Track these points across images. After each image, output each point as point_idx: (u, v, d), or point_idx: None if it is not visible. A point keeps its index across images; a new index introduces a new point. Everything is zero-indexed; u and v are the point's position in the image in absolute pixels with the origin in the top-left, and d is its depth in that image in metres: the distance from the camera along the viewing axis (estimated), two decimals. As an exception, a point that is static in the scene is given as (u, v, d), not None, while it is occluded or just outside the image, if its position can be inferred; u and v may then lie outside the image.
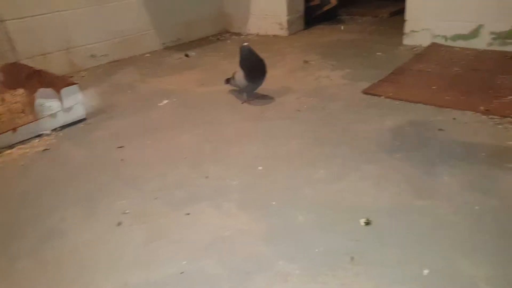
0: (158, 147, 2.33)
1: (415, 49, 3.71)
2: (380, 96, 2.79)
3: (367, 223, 1.61)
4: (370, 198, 1.76)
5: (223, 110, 2.77)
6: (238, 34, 4.85)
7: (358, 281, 1.35)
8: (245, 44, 2.72)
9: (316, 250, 1.49)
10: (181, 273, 1.42)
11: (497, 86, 2.71)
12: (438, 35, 3.69)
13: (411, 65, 3.30)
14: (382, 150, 2.12)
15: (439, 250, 1.45)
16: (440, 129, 2.28)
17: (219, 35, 4.86)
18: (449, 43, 3.64)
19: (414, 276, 1.35)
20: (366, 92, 2.88)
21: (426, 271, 1.37)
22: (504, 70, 2.93)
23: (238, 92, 2.97)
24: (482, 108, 2.43)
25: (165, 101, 2.97)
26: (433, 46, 3.65)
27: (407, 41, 3.88)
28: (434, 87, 2.81)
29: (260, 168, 2.03)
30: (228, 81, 3.04)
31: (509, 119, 2.29)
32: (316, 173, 1.96)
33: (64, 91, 2.56)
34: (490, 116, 2.35)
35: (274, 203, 1.76)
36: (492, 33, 3.43)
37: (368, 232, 1.57)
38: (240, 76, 2.80)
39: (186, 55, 4.10)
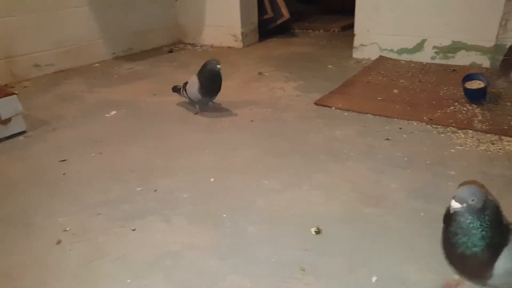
0: (103, 160, 2.22)
1: (364, 62, 3.84)
2: (330, 107, 2.84)
3: (318, 232, 1.61)
4: (320, 207, 1.77)
5: (175, 121, 2.71)
6: (193, 45, 4.81)
7: (310, 279, 1.34)
8: (217, 66, 2.64)
9: (267, 262, 1.46)
10: (123, 292, 1.34)
11: (440, 97, 2.84)
12: (386, 49, 3.85)
13: (360, 77, 3.40)
14: (333, 160, 2.15)
15: (386, 256, 1.47)
16: (387, 139, 2.35)
17: (173, 45, 4.80)
18: (396, 56, 3.80)
19: (363, 284, 1.36)
20: (317, 103, 2.93)
21: (374, 278, 1.38)
22: (447, 82, 3.09)
23: (191, 103, 2.92)
24: (426, 118, 2.53)
25: (113, 112, 2.86)
26: (381, 59, 3.79)
27: (356, 54, 4.01)
28: (381, 99, 2.91)
29: (212, 179, 1.98)
30: (175, 89, 2.95)
31: (451, 128, 2.40)
32: (268, 183, 1.95)
33: (1, 101, 2.39)
34: (434, 126, 2.45)
35: (225, 215, 1.72)
36: (434, 47, 3.62)
37: (318, 241, 1.56)
38: (193, 89, 2.72)
39: (170, 51, 4.17)
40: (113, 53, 4.26)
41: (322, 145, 2.32)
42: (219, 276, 1.40)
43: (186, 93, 2.80)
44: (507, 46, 2.68)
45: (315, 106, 2.90)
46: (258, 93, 3.20)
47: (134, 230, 1.63)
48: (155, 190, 1.90)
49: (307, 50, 4.49)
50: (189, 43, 4.86)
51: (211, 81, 2.67)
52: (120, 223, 1.67)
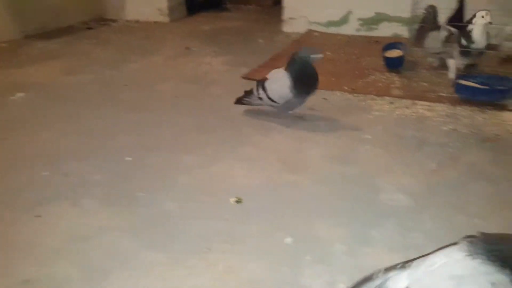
0: (7, 147, 2.02)
1: (293, 35, 3.84)
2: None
3: (238, 201, 1.60)
4: (243, 178, 1.75)
5: (91, 101, 2.53)
6: (115, 20, 4.52)
7: (224, 258, 1.33)
8: (316, 55, 2.09)
9: (185, 236, 1.43)
10: (24, 281, 1.23)
11: (362, 68, 2.92)
12: (314, 22, 3.87)
13: (288, 50, 3.35)
14: (258, 132, 2.13)
15: (301, 218, 1.50)
16: (311, 109, 2.37)
17: (93, 22, 4.46)
18: (324, 29, 3.85)
19: (277, 246, 1.38)
20: (245, 77, 2.89)
21: (288, 239, 1.40)
22: (370, 53, 3.18)
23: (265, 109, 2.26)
24: (348, 88, 2.59)
25: (20, 95, 2.60)
26: (309, 32, 3.82)
27: (286, 28, 4.01)
28: (308, 70, 2.93)
29: (128, 159, 1.89)
30: (243, 99, 2.28)
31: (371, 96, 2.48)
32: (192, 159, 1.89)
33: None
34: (356, 94, 2.52)
35: (142, 194, 1.65)
36: (359, 19, 3.70)
37: (238, 210, 1.56)
38: (281, 87, 2.10)
39: (90, 28, 3.78)
40: (23, 32, 3.84)
41: (248, 118, 2.31)
42: (133, 255, 1.34)
43: (266, 94, 2.16)
44: (422, 16, 2.79)
45: (243, 80, 2.86)
46: (185, 68, 3.10)
47: (39, 216, 1.50)
48: (66, 174, 1.77)
49: (238, 24, 4.41)
50: (110, 19, 4.55)
51: (307, 76, 2.10)
52: (23, 211, 1.54)
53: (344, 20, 3.77)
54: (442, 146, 1.91)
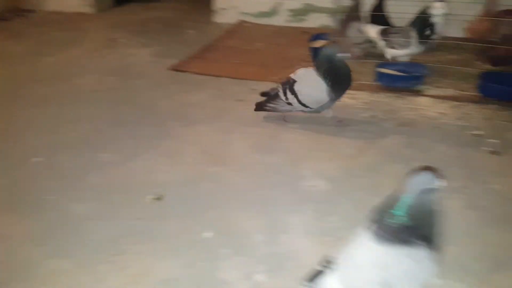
0: None
1: (224, 26, 3.78)
2: (186, 72, 2.75)
3: (158, 198, 1.54)
4: (164, 173, 1.70)
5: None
6: (33, 11, 4.17)
7: (137, 260, 1.28)
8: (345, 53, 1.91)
9: (94, 239, 1.35)
10: None
11: (290, 58, 2.94)
12: (245, 13, 3.84)
13: (218, 41, 3.36)
14: (182, 125, 2.08)
15: (222, 211, 1.49)
16: (239, 100, 2.35)
17: (7, 12, 4.05)
18: (255, 20, 3.83)
19: (195, 241, 1.35)
20: (173, 68, 2.81)
21: (207, 234, 1.38)
22: (298, 44, 3.21)
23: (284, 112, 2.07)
24: (276, 78, 2.60)
25: None
26: (240, 23, 3.79)
27: (217, 18, 3.94)
28: (237, 62, 2.91)
29: (36, 159, 1.75)
30: (267, 105, 2.06)
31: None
32: (107, 156, 1.81)
33: None
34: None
35: (49, 197, 1.54)
36: (289, 10, 3.72)
37: (155, 208, 1.51)
38: (315, 91, 1.92)
39: (3, 19, 3.41)
40: None
41: (173, 111, 2.24)
42: (34, 263, 1.25)
43: (298, 100, 1.96)
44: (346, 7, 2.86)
45: (171, 71, 2.78)
46: (109, 60, 2.95)
47: None
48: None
49: (168, 15, 4.27)
50: (28, 10, 4.20)
51: (343, 77, 1.95)
52: None
53: (274, 11, 3.78)
54: (361, 132, 1.98)
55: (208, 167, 1.74)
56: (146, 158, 1.79)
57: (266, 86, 2.51)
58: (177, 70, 2.78)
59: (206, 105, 2.30)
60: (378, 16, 2.85)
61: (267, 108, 2.05)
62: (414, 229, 0.89)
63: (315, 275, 0.98)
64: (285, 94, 1.98)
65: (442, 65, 2.67)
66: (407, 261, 0.87)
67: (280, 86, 2.03)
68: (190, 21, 3.98)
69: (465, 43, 2.72)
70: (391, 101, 2.28)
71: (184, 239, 1.36)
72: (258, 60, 2.94)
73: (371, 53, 2.86)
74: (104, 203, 1.52)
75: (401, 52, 2.55)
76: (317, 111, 2.00)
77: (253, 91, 2.47)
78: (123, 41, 3.37)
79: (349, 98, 2.32)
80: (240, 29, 3.66)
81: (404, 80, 2.38)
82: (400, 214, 0.89)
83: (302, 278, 1.02)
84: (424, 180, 0.91)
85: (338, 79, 1.91)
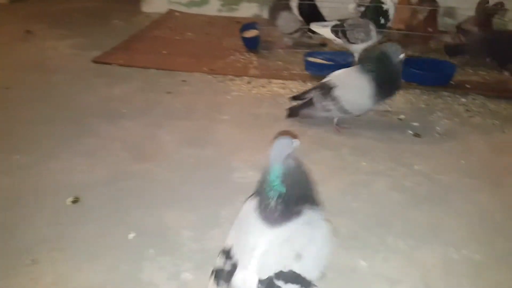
0: None
1: (153, 16, 3.62)
2: (111, 64, 2.60)
3: (75, 201, 1.43)
4: (83, 174, 1.59)
5: None
6: None
7: (53, 268, 1.18)
8: (400, 54, 1.72)
9: (4, 250, 1.23)
10: None
11: (222, 48, 2.89)
12: (175, 2, 3.71)
13: (146, 31, 3.22)
14: (106, 121, 1.95)
15: (148, 210, 1.41)
16: (168, 92, 2.26)
17: None
18: (185, 9, 3.71)
19: (117, 244, 1.27)
20: (96, 61, 2.64)
21: (132, 235, 1.30)
22: (230, 34, 3.15)
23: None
24: (207, 68, 2.54)
25: None
26: (170, 12, 3.65)
27: (145, 8, 3.77)
28: (166, 52, 2.80)
29: None
30: (300, 111, 1.90)
31: (229, 76, 2.45)
32: (18, 158, 1.65)
33: None
34: (215, 75, 2.47)
35: None
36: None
37: (73, 211, 1.40)
38: (360, 95, 1.74)
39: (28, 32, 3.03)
40: None
41: (96, 106, 2.10)
42: None
43: (340, 106, 1.77)
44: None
45: (94, 64, 2.62)
46: (23, 54, 2.72)
47: None
48: None
49: (92, 4, 4.01)
50: None
51: (393, 80, 1.78)
52: None
53: (205, 1, 3.69)
54: (292, 121, 1.98)
55: (133, 164, 1.64)
56: (64, 159, 1.66)
57: (198, 78, 2.45)
58: (101, 63, 2.62)
59: (133, 99, 2.18)
60: (306, 6, 2.87)
61: (302, 115, 1.91)
62: (293, 195, 0.91)
63: (220, 275, 0.93)
64: (322, 100, 1.80)
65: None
66: (306, 228, 0.90)
67: (315, 90, 1.85)
68: (116, 11, 3.77)
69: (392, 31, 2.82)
70: (321, 89, 2.31)
71: (106, 243, 1.27)
72: (189, 50, 2.85)
73: (302, 43, 2.89)
74: (17, 209, 1.39)
75: (363, 45, 2.47)
76: (358, 115, 1.89)
77: (183, 83, 2.39)
78: (39, 33, 3.11)
79: (279, 87, 2.33)
80: (169, 18, 3.53)
81: (332, 69, 2.41)
82: (276, 185, 0.90)
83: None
84: (284, 146, 0.93)
85: (387, 81, 1.74)
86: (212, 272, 0.95)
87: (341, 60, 2.47)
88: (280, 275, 0.86)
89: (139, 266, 1.19)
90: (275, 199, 0.90)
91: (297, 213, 0.90)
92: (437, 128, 1.93)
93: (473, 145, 1.81)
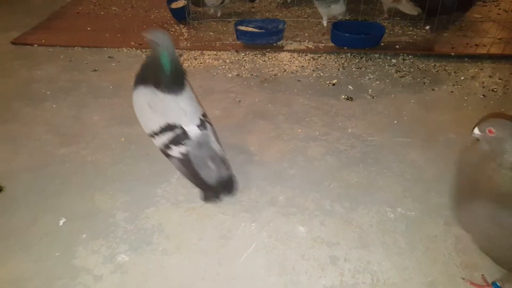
0: None
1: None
2: (32, 45, 2.42)
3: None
4: (4, 162, 1.48)
5: None
6: None
7: None
8: None
9: None
10: None
11: (151, 21, 2.77)
12: (97, -25, 3.46)
13: (68, 8, 3.01)
14: (27, 104, 1.82)
15: (79, 194, 1.35)
16: (95, 70, 2.15)
17: None
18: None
19: (47, 231, 1.21)
20: (15, 42, 2.45)
21: (62, 221, 1.25)
22: (158, 6, 3.01)
23: None
24: (135, 43, 2.42)
25: None
26: (93, -14, 3.42)
27: (66, -17, 3.49)
28: (90, 29, 2.64)
29: None
30: None
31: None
32: None
33: None
34: (144, 50, 2.37)
35: None
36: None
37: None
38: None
39: None
40: None
41: (16, 90, 1.96)
42: None
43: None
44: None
45: (13, 46, 2.43)
46: None
47: None
48: None
49: (5, -19, 3.66)
50: None
51: None
52: None
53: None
54: (227, 92, 1.95)
55: (60, 148, 1.55)
56: (-19, 148, 1.53)
57: (125, 54, 2.34)
58: (20, 44, 2.43)
59: (56, 79, 2.05)
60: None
61: None
62: (179, 72, 1.27)
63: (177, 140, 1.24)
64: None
65: (301, 19, 2.78)
66: (191, 91, 1.34)
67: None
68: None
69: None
70: (255, 59, 2.29)
71: (34, 232, 1.21)
72: (115, 25, 2.71)
73: (230, 12, 2.84)
74: None
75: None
76: None
77: (111, 59, 2.28)
78: None
79: (212, 59, 2.28)
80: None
81: (264, 37, 2.40)
82: (168, 66, 1.23)
83: None
84: (162, 36, 1.24)
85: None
86: (170, 143, 1.24)
87: (272, 28, 2.46)
88: (203, 115, 1.31)
89: (72, 252, 1.14)
90: (169, 76, 1.23)
91: (184, 84, 1.29)
92: (369, 90, 1.98)
93: (404, 104, 1.88)
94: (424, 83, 2.06)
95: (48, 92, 1.92)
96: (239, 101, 1.89)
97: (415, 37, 2.54)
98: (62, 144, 1.57)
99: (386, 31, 2.44)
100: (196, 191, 1.33)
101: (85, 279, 1.08)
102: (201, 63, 2.23)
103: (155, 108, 1.26)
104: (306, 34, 2.56)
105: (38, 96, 1.89)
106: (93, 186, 1.38)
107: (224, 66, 2.20)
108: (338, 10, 2.51)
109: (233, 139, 1.64)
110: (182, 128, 1.24)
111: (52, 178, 1.41)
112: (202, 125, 1.26)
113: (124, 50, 2.37)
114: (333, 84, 2.04)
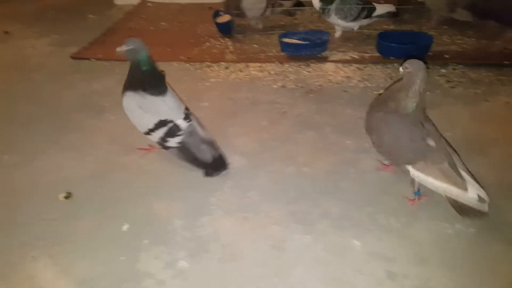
0: None
1: (126, 8, 3.57)
2: (89, 59, 2.58)
3: (67, 196, 1.45)
4: (72, 169, 1.60)
5: None
6: None
7: (53, 263, 1.21)
8: None
9: (3, 247, 1.26)
10: None
11: (197, 35, 2.88)
12: (147, -8, 3.65)
13: (121, 24, 3.17)
14: (89, 115, 1.95)
15: (139, 201, 1.43)
16: (148, 83, 2.25)
17: None
18: (157, -1, 3.66)
19: (112, 236, 1.30)
20: (74, 57, 2.62)
21: (125, 226, 1.33)
22: (203, 20, 3.13)
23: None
24: (184, 57, 2.53)
25: None
26: (142, 3, 3.61)
27: (118, 1, 3.71)
28: (142, 43, 2.77)
29: None
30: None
31: (207, 63, 2.45)
32: (6, 158, 1.66)
33: None
34: (192, 63, 2.47)
35: None
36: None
37: (67, 206, 1.42)
38: None
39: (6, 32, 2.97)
40: None
41: (78, 102, 2.10)
42: None
43: None
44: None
45: (72, 60, 2.59)
46: (3, 55, 2.67)
47: None
48: None
49: (65, 1, 3.92)
50: None
51: None
52: None
53: (175, -11, 3.63)
54: (272, 103, 2.00)
55: (119, 156, 1.65)
56: (51, 155, 1.67)
57: (175, 67, 2.44)
58: (79, 58, 2.60)
59: (113, 92, 2.15)
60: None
61: None
62: (161, 79, 1.54)
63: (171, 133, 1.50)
64: None
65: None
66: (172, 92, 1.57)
67: None
68: (90, 5, 3.70)
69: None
70: (299, 70, 2.33)
71: (101, 235, 1.30)
72: (164, 40, 2.84)
73: (274, 25, 2.89)
74: (11, 208, 1.40)
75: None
76: None
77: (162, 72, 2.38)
78: (16, 33, 3.05)
79: (257, 71, 2.34)
80: (142, 9, 3.49)
81: (308, 48, 2.43)
82: (147, 64, 1.49)
83: None
84: (137, 42, 1.51)
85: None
86: (166, 136, 1.48)
87: (316, 39, 2.48)
88: (187, 109, 1.56)
89: (136, 257, 1.22)
90: (152, 80, 1.50)
91: (166, 86, 1.54)
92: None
93: (457, 116, 1.83)
94: (477, 93, 2.01)
95: (107, 104, 2.04)
96: (285, 112, 1.93)
97: (464, 45, 2.49)
98: (122, 153, 1.67)
99: (434, 40, 2.41)
100: (247, 201, 1.39)
101: (148, 283, 1.15)
102: (246, 75, 2.30)
103: (146, 109, 1.49)
104: (350, 44, 2.58)
105: (98, 107, 2.02)
106: (151, 194, 1.46)
107: (269, 78, 2.26)
108: (354, 26, 2.59)
109: (281, 150, 1.68)
110: (173, 122, 1.48)
111: (115, 185, 1.50)
112: (187, 117, 1.52)
113: (174, 64, 2.47)
114: (381, 95, 2.03)
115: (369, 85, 2.13)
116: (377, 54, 2.40)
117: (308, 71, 2.30)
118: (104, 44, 2.79)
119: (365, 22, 2.59)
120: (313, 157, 1.62)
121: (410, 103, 1.30)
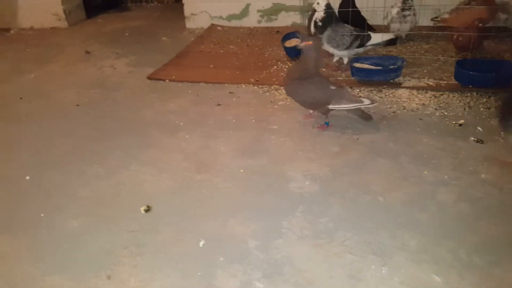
0: None
1: (197, 31, 3.76)
2: (164, 80, 2.72)
3: (147, 210, 1.52)
4: (151, 183, 1.68)
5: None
6: (8, 30, 4.04)
7: (134, 272, 1.26)
8: None
9: (89, 254, 1.34)
10: None
11: (265, 59, 2.95)
12: (216, 16, 3.83)
13: (192, 47, 3.33)
14: (165, 133, 2.05)
15: (213, 219, 1.47)
16: (218, 104, 2.34)
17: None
18: (226, 23, 3.82)
19: (189, 250, 1.34)
20: (150, 77, 2.78)
21: (202, 242, 1.36)
22: (271, 44, 3.22)
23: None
24: (253, 80, 2.60)
25: None
26: (212, 27, 3.77)
27: (189, 24, 3.91)
28: (212, 66, 2.90)
29: (27, 178, 1.73)
30: None
31: (275, 86, 2.50)
32: (93, 170, 1.78)
33: None
34: (260, 86, 2.53)
35: (42, 214, 1.52)
36: (259, 11, 3.73)
37: (146, 219, 1.48)
38: None
39: (87, 52, 3.32)
40: None
41: (154, 119, 2.21)
42: (34, 280, 1.24)
43: None
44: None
45: (149, 81, 2.75)
46: (86, 74, 2.90)
47: None
48: None
49: (140, 23, 4.22)
50: (2, 28, 4.02)
51: None
52: None
53: (244, 13, 3.77)
54: (343, 128, 1.99)
55: (194, 174, 1.72)
56: (132, 169, 1.76)
57: (244, 89, 2.52)
58: (154, 79, 2.75)
59: (187, 112, 2.27)
60: (355, 13, 2.83)
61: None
62: None
63: None
64: None
65: (418, 55, 2.73)
66: None
67: None
68: (163, 29, 3.95)
69: (436, 32, 2.78)
70: (370, 95, 2.30)
71: (179, 249, 1.34)
72: (233, 63, 2.94)
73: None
74: (95, 217, 1.50)
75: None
76: None
77: (231, 95, 2.46)
78: (97, 53, 3.31)
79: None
80: (212, 33, 3.65)
81: (381, 74, 2.40)
82: None
83: None
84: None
85: None
86: None
87: (388, 64, 2.45)
88: None
89: (212, 273, 1.25)
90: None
91: None
92: (502, 133, 1.83)
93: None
94: None
95: (181, 123, 2.14)
96: (357, 138, 1.91)
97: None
98: (196, 171, 1.73)
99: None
100: (321, 227, 1.40)
101: (225, 301, 1.17)
102: (316, 98, 2.31)
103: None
104: (425, 71, 2.51)
105: (173, 126, 2.12)
106: (226, 212, 1.49)
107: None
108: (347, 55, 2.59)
109: (354, 177, 1.65)
110: None
111: (191, 201, 1.56)
112: None
113: (243, 86, 2.55)
114: (460, 125, 1.95)
115: (446, 113, 2.05)
116: (455, 82, 2.31)
117: (380, 97, 2.26)
118: (177, 66, 2.95)
119: (360, 51, 2.55)
120: (388, 187, 1.58)
121: (313, 70, 1.93)
